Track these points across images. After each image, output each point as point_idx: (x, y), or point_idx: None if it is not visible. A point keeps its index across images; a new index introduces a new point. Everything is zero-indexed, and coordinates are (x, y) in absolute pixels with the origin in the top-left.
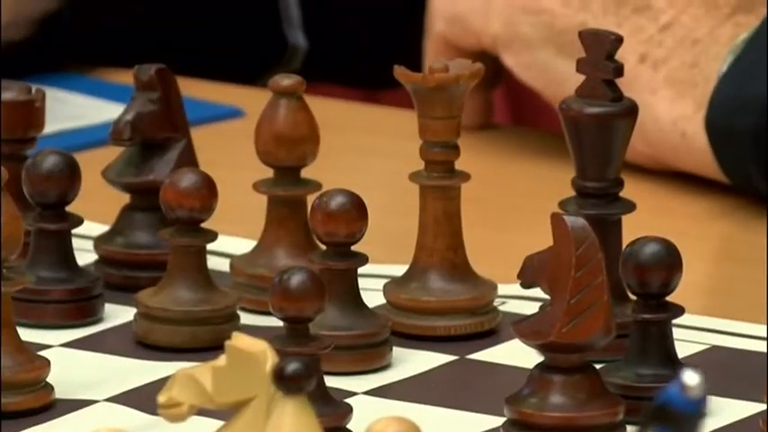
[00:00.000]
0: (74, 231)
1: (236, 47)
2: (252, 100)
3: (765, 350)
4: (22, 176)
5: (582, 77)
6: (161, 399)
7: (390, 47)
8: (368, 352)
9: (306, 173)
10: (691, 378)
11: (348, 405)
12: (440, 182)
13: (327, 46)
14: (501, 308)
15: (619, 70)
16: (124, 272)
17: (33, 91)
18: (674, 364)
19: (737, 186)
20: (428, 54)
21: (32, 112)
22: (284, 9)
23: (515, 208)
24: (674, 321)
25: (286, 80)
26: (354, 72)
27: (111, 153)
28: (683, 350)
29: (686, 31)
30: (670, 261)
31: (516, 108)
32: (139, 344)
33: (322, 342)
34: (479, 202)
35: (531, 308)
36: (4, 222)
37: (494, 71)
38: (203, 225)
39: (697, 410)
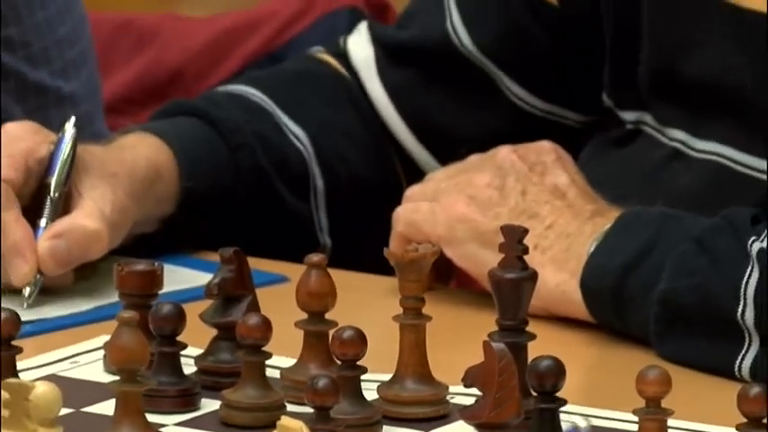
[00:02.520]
0: (181, 353)
1: (284, 243)
2: (294, 271)
3: (621, 427)
4: (149, 318)
5: (500, 256)
6: None
7: (385, 245)
8: (367, 429)
9: (328, 316)
10: (581, 422)
11: None
12: (412, 321)
13: (345, 247)
14: (451, 400)
15: (526, 251)
16: (214, 378)
17: (155, 265)
18: None
19: (602, 325)
20: (392, 245)
21: (155, 278)
22: (317, 220)
23: (460, 338)
24: (560, 409)
25: (315, 257)
26: (363, 265)
27: (205, 304)
28: (566, 427)
29: (562, 229)
30: (558, 371)
31: (459, 278)
32: (223, 423)
33: (338, 422)
34: (437, 335)
35: (470, 400)
36: (138, 348)
37: (447, 271)
38: (264, 348)
39: None
